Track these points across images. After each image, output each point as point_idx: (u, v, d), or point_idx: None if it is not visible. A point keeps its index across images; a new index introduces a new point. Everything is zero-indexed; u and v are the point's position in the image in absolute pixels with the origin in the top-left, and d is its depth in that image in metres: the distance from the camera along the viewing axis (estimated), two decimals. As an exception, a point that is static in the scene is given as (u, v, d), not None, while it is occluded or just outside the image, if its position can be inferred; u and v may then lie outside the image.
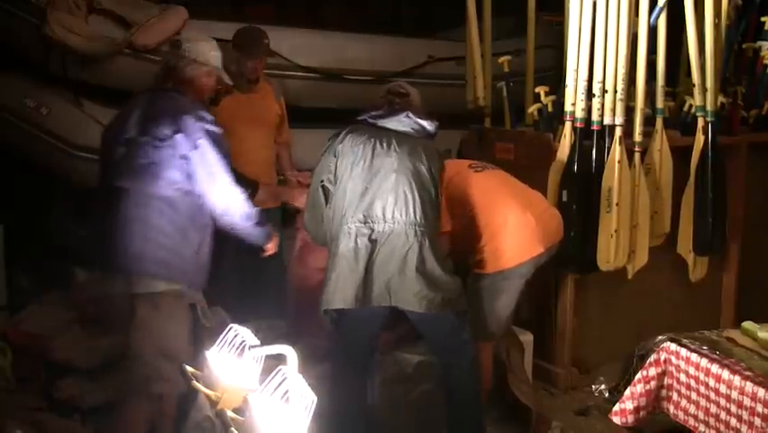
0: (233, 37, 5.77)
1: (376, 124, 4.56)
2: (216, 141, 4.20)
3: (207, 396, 3.02)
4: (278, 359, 2.81)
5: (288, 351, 2.74)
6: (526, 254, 4.87)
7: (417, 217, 4.38)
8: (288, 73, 6.68)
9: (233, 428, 2.71)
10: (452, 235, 4.80)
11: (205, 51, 4.43)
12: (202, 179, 4.17)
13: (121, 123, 4.33)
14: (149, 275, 4.19)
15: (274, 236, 4.58)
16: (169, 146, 4.15)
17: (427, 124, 4.58)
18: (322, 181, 4.53)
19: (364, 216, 4.37)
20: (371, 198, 4.38)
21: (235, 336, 3.04)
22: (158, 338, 4.19)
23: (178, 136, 4.14)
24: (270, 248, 4.61)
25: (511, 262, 4.85)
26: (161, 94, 4.33)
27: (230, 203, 4.24)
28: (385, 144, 4.46)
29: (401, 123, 4.56)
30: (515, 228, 4.87)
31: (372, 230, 4.37)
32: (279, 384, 2.61)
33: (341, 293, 4.35)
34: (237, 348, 2.99)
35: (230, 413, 2.79)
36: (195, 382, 3.10)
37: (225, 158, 4.22)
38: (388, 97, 4.83)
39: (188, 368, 3.19)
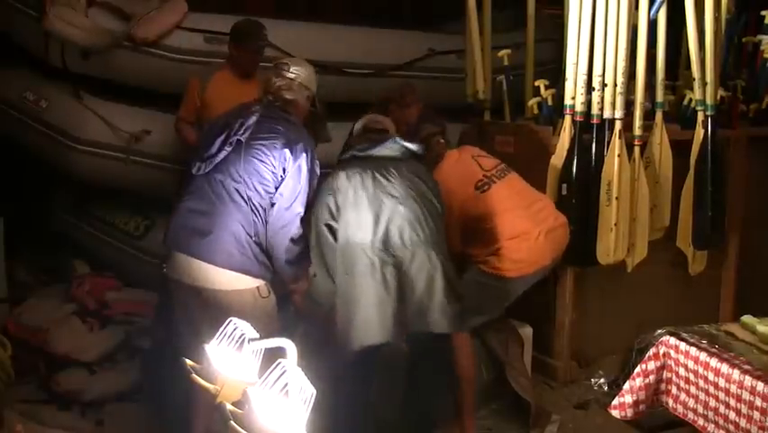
0: (231, 29, 5.77)
1: (366, 155, 4.58)
2: (310, 173, 4.37)
3: (206, 389, 3.02)
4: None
5: (287, 344, 2.74)
6: (532, 268, 5.00)
7: (433, 237, 4.42)
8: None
9: (232, 422, 2.71)
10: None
11: (309, 76, 4.67)
12: (281, 197, 4.30)
13: (233, 123, 4.44)
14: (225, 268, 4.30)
15: (302, 280, 4.57)
16: (274, 158, 4.30)
17: (414, 147, 4.64)
18: (326, 223, 4.49)
19: (383, 244, 4.37)
20: (386, 226, 4.39)
21: (234, 329, 3.04)
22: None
23: (286, 151, 4.31)
24: (297, 291, 4.61)
25: (516, 273, 4.94)
26: (277, 110, 4.51)
27: (283, 230, 4.31)
28: (383, 171, 4.49)
29: (390, 149, 4.60)
30: (526, 244, 5.03)
31: (395, 257, 4.37)
32: (279, 377, 2.61)
33: (376, 328, 4.35)
34: (236, 341, 2.99)
35: (229, 406, 2.79)
36: (194, 375, 3.10)
37: (307, 193, 4.38)
38: (366, 136, 4.82)
39: (188, 361, 3.18)
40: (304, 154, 4.34)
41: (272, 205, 4.30)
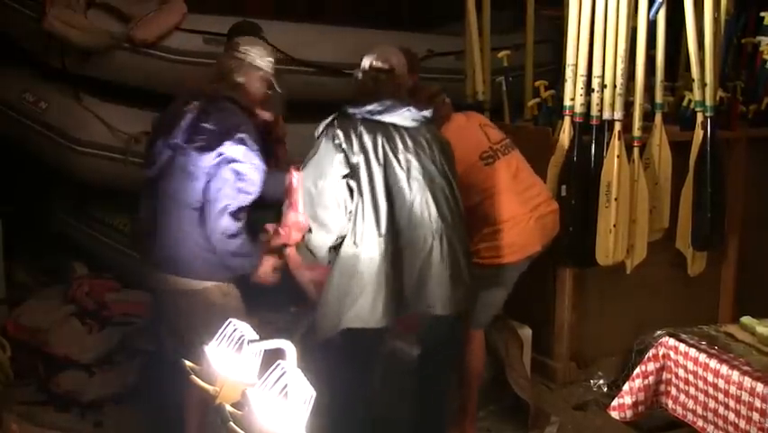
0: (228, 31, 5.75)
1: (377, 120, 4.29)
2: (246, 172, 4.18)
3: (206, 390, 3.02)
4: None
5: (286, 345, 2.74)
6: (524, 252, 4.88)
7: (445, 216, 4.26)
8: (285, 67, 6.68)
9: (231, 423, 2.71)
10: None
11: (261, 56, 4.42)
12: (210, 198, 4.17)
13: (171, 124, 4.33)
14: (193, 278, 4.26)
15: (261, 264, 4.43)
16: (204, 159, 4.16)
17: (427, 113, 4.39)
18: (345, 176, 4.19)
19: (392, 223, 4.17)
20: (399, 203, 4.21)
21: (234, 330, 3.03)
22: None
23: (217, 150, 4.15)
24: (260, 277, 4.47)
25: (509, 258, 4.85)
26: (216, 103, 4.31)
27: (217, 231, 4.18)
28: (397, 141, 4.26)
29: (404, 117, 4.32)
30: (517, 229, 4.85)
31: (403, 236, 4.20)
32: (278, 379, 2.61)
33: (375, 309, 4.15)
34: (236, 343, 2.99)
35: (228, 407, 2.79)
36: (193, 376, 3.10)
37: (249, 190, 4.20)
38: (370, 74, 4.51)
39: (187, 362, 3.18)
40: (237, 147, 4.15)
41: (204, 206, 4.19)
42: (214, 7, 6.74)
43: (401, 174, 4.22)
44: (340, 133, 4.20)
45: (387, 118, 4.28)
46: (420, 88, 5.06)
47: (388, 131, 4.26)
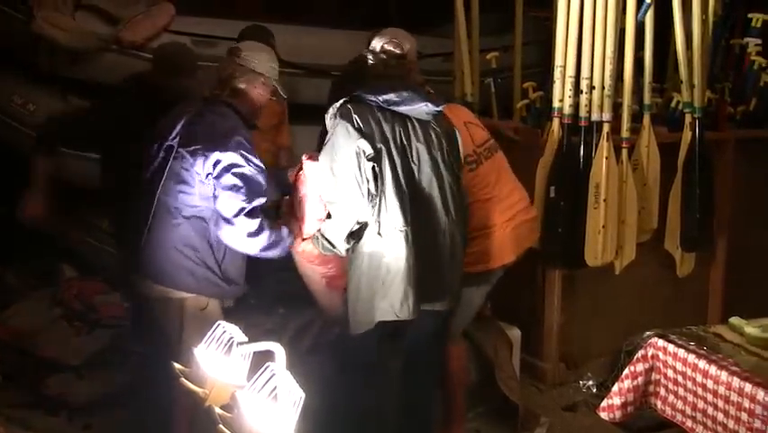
0: (239, 35, 5.71)
1: (391, 110, 4.17)
2: (250, 174, 4.08)
3: (195, 393, 3.02)
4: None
5: (275, 348, 2.74)
6: (497, 262, 4.75)
7: (450, 211, 4.22)
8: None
9: (221, 425, 2.71)
10: None
11: (263, 62, 4.32)
12: (218, 210, 4.09)
13: (168, 127, 4.24)
14: (171, 287, 4.20)
15: (294, 240, 4.31)
16: (202, 164, 4.08)
17: (441, 108, 4.29)
18: (370, 159, 4.05)
19: (409, 216, 4.10)
20: (415, 197, 4.14)
21: (223, 332, 3.03)
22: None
23: (214, 157, 4.05)
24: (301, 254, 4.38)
25: (481, 267, 4.75)
26: (212, 107, 4.24)
27: (237, 240, 4.11)
28: (410, 133, 4.17)
29: (420, 112, 4.22)
30: (492, 238, 4.72)
31: (420, 229, 4.14)
32: (268, 381, 2.61)
33: (406, 301, 4.10)
34: (225, 345, 2.99)
35: (218, 410, 2.79)
36: (182, 378, 3.10)
37: (259, 190, 4.11)
38: (380, 57, 4.44)
39: (176, 365, 3.18)
40: (234, 152, 4.05)
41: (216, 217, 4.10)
42: (203, 9, 6.73)
43: (413, 167, 4.17)
44: (357, 118, 4.11)
45: (403, 110, 4.20)
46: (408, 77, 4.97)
47: (403, 122, 4.19)
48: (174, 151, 4.17)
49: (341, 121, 4.12)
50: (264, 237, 4.10)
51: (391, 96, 4.16)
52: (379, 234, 4.10)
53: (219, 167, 4.05)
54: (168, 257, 4.15)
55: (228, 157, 4.05)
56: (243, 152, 4.08)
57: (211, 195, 4.08)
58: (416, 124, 4.22)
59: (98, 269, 6.25)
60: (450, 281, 4.30)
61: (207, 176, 4.07)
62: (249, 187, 4.06)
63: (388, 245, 4.09)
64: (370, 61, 4.43)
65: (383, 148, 4.10)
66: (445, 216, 4.22)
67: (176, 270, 4.16)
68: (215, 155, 4.05)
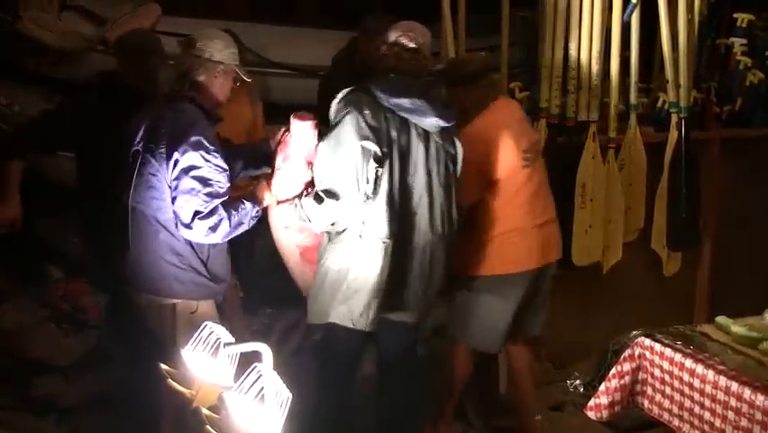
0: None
1: (402, 116, 4.07)
2: (209, 177, 3.96)
3: (182, 394, 3.02)
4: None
5: (263, 348, 2.74)
6: (520, 266, 4.76)
7: (436, 227, 4.19)
8: (262, 70, 6.66)
9: (208, 426, 2.71)
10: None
11: (221, 50, 4.13)
12: (177, 210, 3.99)
13: (132, 130, 4.14)
14: (159, 295, 4.15)
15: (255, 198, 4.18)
16: (164, 166, 3.98)
17: (451, 124, 4.19)
18: (375, 158, 3.98)
19: (393, 226, 4.07)
20: (403, 208, 4.10)
21: (210, 333, 3.03)
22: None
23: (174, 156, 3.95)
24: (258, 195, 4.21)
25: (509, 269, 4.76)
26: (173, 105, 4.10)
27: (199, 238, 4.02)
28: (412, 141, 4.10)
29: (431, 125, 4.12)
30: (517, 241, 4.73)
31: (404, 244, 4.10)
32: (255, 382, 2.61)
33: (366, 314, 4.10)
34: (212, 346, 2.99)
35: (205, 411, 2.79)
36: (170, 380, 3.09)
37: (218, 192, 3.98)
38: (394, 50, 4.24)
39: (163, 366, 3.17)
40: (193, 153, 3.93)
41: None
42: (189, 10, 6.72)
43: (408, 177, 4.12)
44: (369, 113, 4.01)
45: (413, 119, 4.10)
46: (461, 62, 4.99)
47: (407, 127, 4.11)
48: (140, 156, 4.07)
49: (351, 111, 4.02)
50: (225, 226, 3.99)
51: (403, 102, 4.05)
52: (360, 237, 4.07)
53: (177, 168, 3.95)
54: (153, 266, 4.09)
55: (187, 158, 3.94)
56: (203, 153, 3.95)
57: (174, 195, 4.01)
58: (420, 131, 4.14)
59: (86, 270, 6.23)
60: (421, 296, 4.27)
61: (170, 181, 3.98)
62: (207, 189, 3.95)
63: (366, 252, 4.06)
64: (383, 52, 4.27)
65: (387, 152, 4.03)
66: (430, 231, 4.19)
67: (162, 278, 4.10)
68: (174, 156, 3.95)
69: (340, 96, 4.11)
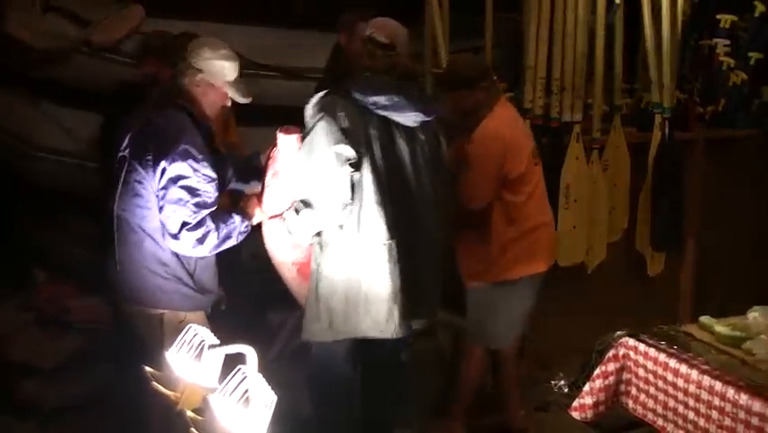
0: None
1: (378, 114, 4.01)
2: (198, 187, 3.91)
3: (167, 396, 3.01)
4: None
5: (247, 350, 2.73)
6: (545, 264, 4.90)
7: (434, 223, 4.17)
8: (247, 71, 6.65)
9: (192, 429, 2.70)
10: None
11: (207, 58, 4.04)
12: (163, 222, 3.96)
13: (120, 136, 4.11)
14: (146, 306, 4.11)
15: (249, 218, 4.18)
16: (151, 174, 3.94)
17: (433, 117, 4.14)
18: (349, 163, 3.91)
19: (391, 227, 4.01)
20: (395, 207, 4.04)
21: (194, 335, 3.02)
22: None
23: (161, 166, 3.90)
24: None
25: (533, 270, 4.85)
26: (161, 111, 4.04)
27: (187, 249, 3.98)
28: (395, 139, 4.05)
29: (409, 119, 4.06)
30: (546, 234, 4.86)
31: (402, 244, 4.04)
32: (239, 384, 2.60)
33: (391, 318, 4.04)
34: (196, 348, 2.98)
35: (190, 413, 2.78)
36: (154, 382, 3.08)
37: (207, 202, 3.94)
38: (368, 47, 4.19)
39: (148, 368, 3.17)
40: (181, 163, 3.88)
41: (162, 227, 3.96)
42: (173, 11, 6.70)
43: (394, 176, 4.07)
44: (344, 116, 3.94)
45: (392, 115, 4.04)
46: (473, 62, 4.97)
47: (387, 125, 4.05)
48: (127, 163, 4.03)
49: (323, 116, 3.96)
50: (213, 238, 3.97)
51: (380, 100, 3.99)
52: (359, 246, 4.01)
53: (165, 178, 3.91)
54: (137, 275, 4.06)
55: (174, 168, 3.90)
56: (191, 162, 3.91)
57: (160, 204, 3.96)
58: (402, 128, 4.09)
59: (72, 272, 6.21)
60: (430, 297, 4.27)
61: (157, 190, 3.94)
62: (195, 199, 3.92)
63: (371, 260, 4.01)
64: (358, 50, 4.28)
65: (365, 153, 3.96)
66: (425, 228, 4.16)
67: (146, 288, 4.07)
68: (162, 164, 3.90)
69: (313, 100, 4.06)
